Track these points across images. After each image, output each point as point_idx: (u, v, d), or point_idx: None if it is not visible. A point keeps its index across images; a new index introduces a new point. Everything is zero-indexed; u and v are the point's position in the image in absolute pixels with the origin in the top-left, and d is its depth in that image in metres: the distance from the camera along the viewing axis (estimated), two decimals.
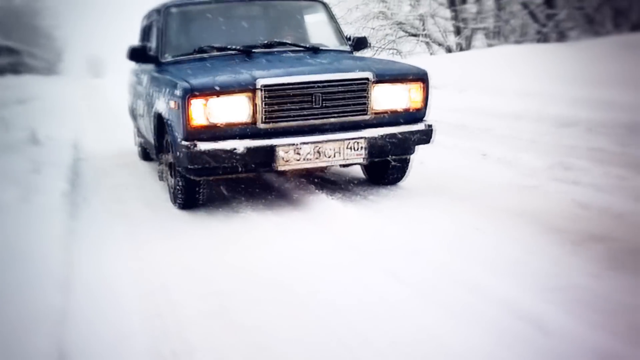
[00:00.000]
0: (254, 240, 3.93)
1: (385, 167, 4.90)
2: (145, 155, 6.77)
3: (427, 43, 16.94)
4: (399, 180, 5.03)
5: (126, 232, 4.22)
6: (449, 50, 16.21)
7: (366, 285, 3.10)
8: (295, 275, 3.30)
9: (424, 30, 16.38)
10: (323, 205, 4.40)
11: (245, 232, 4.08)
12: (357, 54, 5.64)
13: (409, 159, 4.89)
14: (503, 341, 2.44)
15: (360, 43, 5.60)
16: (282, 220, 4.27)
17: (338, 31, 5.62)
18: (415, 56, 16.10)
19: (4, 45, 34.62)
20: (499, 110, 8.05)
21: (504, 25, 15.43)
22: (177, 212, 4.67)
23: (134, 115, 6.86)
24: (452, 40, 16.35)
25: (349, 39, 5.57)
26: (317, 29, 5.72)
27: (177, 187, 4.56)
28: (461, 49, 15.70)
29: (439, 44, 16.79)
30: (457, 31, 16.02)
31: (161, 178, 5.04)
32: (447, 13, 16.12)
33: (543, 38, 13.94)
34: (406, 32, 16.70)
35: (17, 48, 36.88)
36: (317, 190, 4.80)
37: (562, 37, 13.66)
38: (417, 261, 3.29)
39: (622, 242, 3.45)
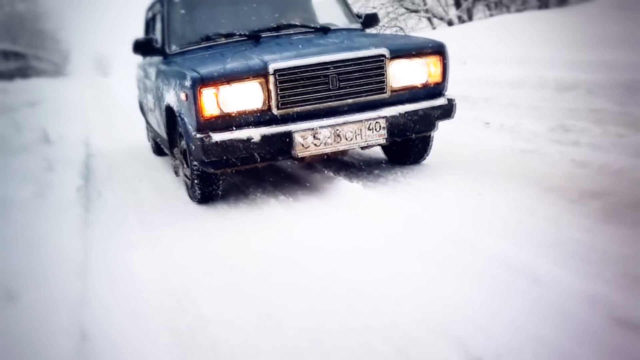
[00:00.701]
0: (275, 228, 3.74)
1: (407, 146, 4.66)
2: (159, 150, 6.56)
3: (428, 18, 16.63)
4: (421, 159, 4.80)
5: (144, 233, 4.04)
6: (450, 23, 15.86)
7: (390, 266, 2.98)
8: (318, 260, 3.15)
9: (424, 5, 16.05)
10: (344, 190, 4.16)
11: (266, 222, 3.90)
12: (369, 31, 5.38)
13: (431, 136, 4.64)
14: (497, 293, 2.53)
15: (370, 20, 5.34)
16: (303, 207, 4.08)
17: (347, 9, 5.36)
18: (417, 32, 15.73)
19: (10, 51, 34.57)
20: (500, 79, 7.85)
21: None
22: (193, 204, 4.48)
23: (143, 110, 6.65)
24: (453, 13, 16.05)
25: (359, 16, 5.32)
26: (325, 8, 5.46)
27: (194, 182, 4.35)
28: (462, 22, 15.43)
29: (440, 19, 16.46)
30: (458, 4, 15.74)
31: (177, 173, 4.83)
32: None
33: (544, 4, 13.78)
34: (407, 9, 16.37)
35: (24, 52, 36.77)
36: (336, 175, 4.57)
37: (562, 1, 13.53)
38: (435, 237, 3.19)
39: (619, 196, 3.47)
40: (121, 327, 2.61)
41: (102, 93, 20.38)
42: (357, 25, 5.22)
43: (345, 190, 4.16)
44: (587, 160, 4.16)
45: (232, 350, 2.37)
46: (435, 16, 16.48)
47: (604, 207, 3.32)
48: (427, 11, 16.14)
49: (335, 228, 3.62)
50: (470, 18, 15.75)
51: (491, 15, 15.20)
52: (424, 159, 4.80)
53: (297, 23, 4.93)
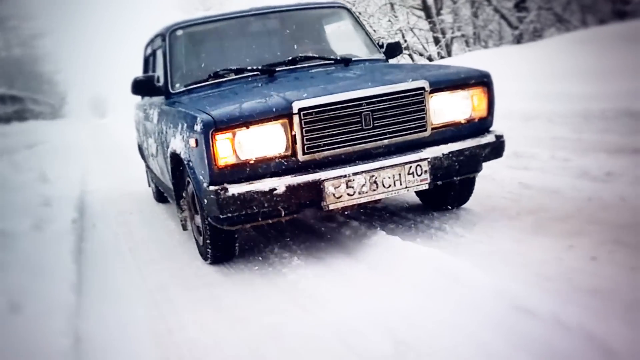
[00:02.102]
0: (304, 303, 3.01)
1: (447, 188, 3.98)
2: (161, 197, 5.85)
3: (409, 55, 16.17)
4: (462, 203, 4.11)
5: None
6: (430, 59, 15.45)
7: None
8: (366, 345, 2.47)
9: (405, 42, 15.55)
10: (380, 246, 3.45)
11: (292, 295, 3.15)
12: (391, 61, 4.73)
13: (475, 178, 3.96)
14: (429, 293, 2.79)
15: (393, 49, 4.68)
16: (334, 272, 3.35)
17: (367, 37, 4.71)
18: None
19: (7, 95, 34.11)
20: None
21: (482, 31, 15.17)
22: (202, 262, 3.78)
23: (143, 154, 5.96)
24: (432, 49, 15.65)
25: (381, 45, 4.67)
26: (342, 38, 4.82)
27: (206, 239, 3.65)
28: (442, 57, 15.03)
29: (420, 55, 16.06)
30: (436, 41, 15.34)
31: (185, 227, 4.13)
32: (426, 24, 15.44)
33: (518, 39, 13.77)
34: None
35: (21, 96, 36.33)
36: (366, 225, 3.88)
37: (537, 36, 13.49)
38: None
39: (551, 212, 3.78)
40: (110, 332, 2.94)
41: (98, 134, 20.11)
42: (380, 56, 4.57)
43: (379, 245, 3.46)
44: (532, 183, 4.40)
45: None
46: (415, 52, 16.06)
47: (536, 221, 3.65)
48: (407, 48, 15.67)
49: (373, 298, 2.92)
50: (449, 54, 15.44)
51: (469, 50, 14.96)
52: (465, 203, 4.12)
53: (314, 55, 4.27)
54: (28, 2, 38.81)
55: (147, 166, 5.97)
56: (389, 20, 15.85)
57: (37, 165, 8.86)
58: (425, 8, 15.07)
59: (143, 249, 4.43)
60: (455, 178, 3.64)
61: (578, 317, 2.20)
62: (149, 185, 6.42)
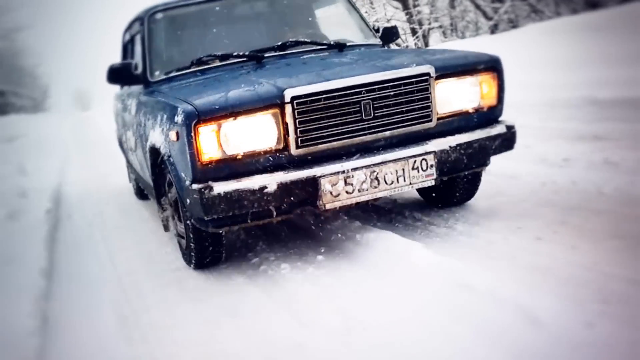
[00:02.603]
0: (297, 312, 2.68)
1: (451, 184, 3.65)
2: (142, 194, 5.49)
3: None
4: (467, 200, 3.79)
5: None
6: None
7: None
8: None
9: None
10: (379, 245, 3.13)
11: (283, 303, 2.81)
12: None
13: (482, 172, 3.64)
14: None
15: (389, 34, 4.34)
16: (330, 276, 3.00)
17: (362, 22, 4.36)
18: None
19: None
20: None
21: (459, 22, 15.40)
22: (186, 269, 3.43)
23: (123, 147, 5.58)
24: (410, 41, 15.51)
25: (377, 30, 4.32)
26: (335, 22, 4.47)
27: (190, 242, 3.30)
28: (419, 48, 14.79)
29: (398, 46, 15.81)
30: (413, 32, 15.19)
31: (166, 228, 3.77)
32: (403, 16, 15.43)
33: (493, 30, 14.11)
34: None
35: (2, 89, 35.85)
36: (363, 222, 3.55)
37: (512, 26, 13.88)
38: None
39: (507, 196, 3.86)
40: (77, 315, 3.04)
41: (80, 127, 19.97)
42: (376, 41, 4.22)
43: (379, 246, 3.13)
44: (492, 169, 3.88)
45: None
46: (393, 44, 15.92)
47: (491, 205, 3.73)
48: None
49: (375, 304, 2.61)
50: (426, 45, 15.52)
51: (446, 41, 15.19)
52: (471, 198, 3.79)
53: (306, 40, 3.91)
54: None
55: (127, 161, 5.60)
56: (366, 12, 15.81)
57: (17, 158, 8.96)
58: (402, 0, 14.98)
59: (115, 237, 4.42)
60: (463, 172, 3.32)
61: (513, 291, 2.29)
62: (130, 181, 6.05)
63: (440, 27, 15.46)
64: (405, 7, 15.00)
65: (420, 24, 15.08)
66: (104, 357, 2.58)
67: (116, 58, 5.48)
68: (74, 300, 3.26)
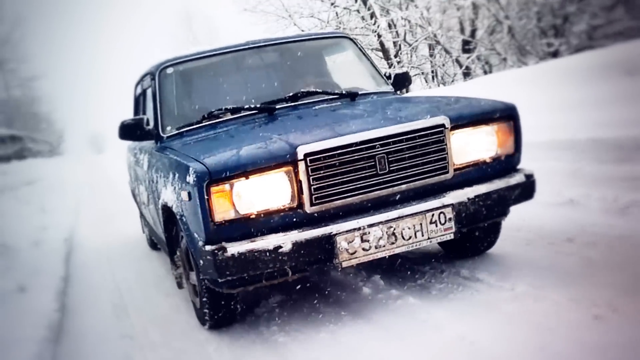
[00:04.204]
0: None
1: (471, 233, 3.62)
2: (155, 244, 5.51)
3: None
4: (488, 249, 3.76)
5: None
6: None
7: None
8: None
9: None
10: (396, 310, 3.15)
11: None
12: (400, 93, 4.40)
13: (501, 221, 3.61)
14: None
15: (401, 80, 4.34)
16: (343, 345, 2.92)
17: (373, 68, 4.39)
18: None
19: (7, 135, 34.39)
20: None
21: (439, 69, 16.02)
22: (200, 328, 3.42)
23: (136, 200, 5.62)
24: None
25: (388, 77, 4.35)
26: (346, 69, 4.50)
27: (203, 301, 3.29)
28: (432, 97, 15.11)
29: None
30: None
31: (180, 285, 3.77)
32: (385, 63, 15.83)
33: (465, 76, 15.08)
34: None
35: (20, 135, 36.65)
36: (379, 281, 3.56)
37: (485, 72, 15.24)
38: None
39: None
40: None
41: (94, 170, 20.63)
42: (388, 88, 4.25)
43: (398, 310, 3.15)
44: None
45: None
46: None
47: None
48: None
49: None
50: (407, 91, 15.77)
51: (427, 87, 16.10)
52: (492, 247, 3.76)
53: (317, 89, 3.94)
54: (25, 45, 39.43)
55: (140, 212, 5.64)
56: None
57: (37, 199, 10.41)
58: (383, 50, 15.58)
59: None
60: (482, 224, 3.29)
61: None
62: (143, 232, 6.08)
63: (422, 73, 15.76)
64: (386, 56, 15.30)
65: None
66: None
67: (128, 101, 5.57)
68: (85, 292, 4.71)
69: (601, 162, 5.20)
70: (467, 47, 15.28)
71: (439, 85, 15.48)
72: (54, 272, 5.06)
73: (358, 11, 15.70)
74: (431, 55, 15.92)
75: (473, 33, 15.23)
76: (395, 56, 15.45)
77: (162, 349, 3.31)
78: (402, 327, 2.97)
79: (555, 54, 13.63)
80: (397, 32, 15.56)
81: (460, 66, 15.11)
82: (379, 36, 15.14)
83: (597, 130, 5.66)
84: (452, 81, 15.34)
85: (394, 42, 15.60)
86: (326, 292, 3.66)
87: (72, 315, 4.15)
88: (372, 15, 15.27)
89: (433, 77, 15.89)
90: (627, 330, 2.45)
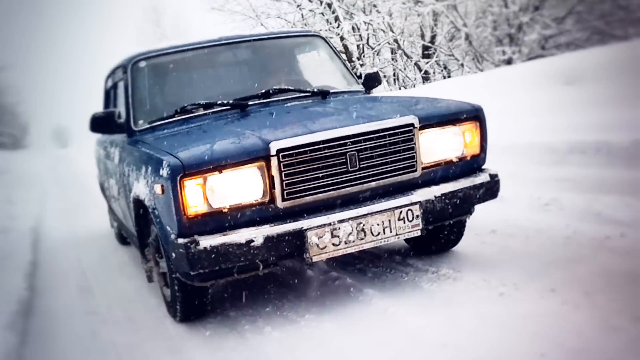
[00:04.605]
0: None
1: (437, 231, 3.64)
2: (124, 239, 5.41)
3: None
4: (453, 246, 3.78)
5: None
6: None
7: None
8: None
9: None
10: (335, 289, 3.27)
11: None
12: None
13: (466, 219, 3.63)
14: None
15: (371, 80, 4.33)
16: (310, 338, 2.90)
17: (345, 68, 4.38)
18: None
19: None
20: None
21: (400, 73, 16.19)
22: (167, 320, 3.37)
23: (105, 194, 5.51)
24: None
25: (359, 76, 4.34)
26: (317, 68, 4.48)
27: (175, 295, 3.24)
28: (400, 97, 15.32)
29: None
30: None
31: (150, 279, 3.71)
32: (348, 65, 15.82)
33: (424, 80, 15.36)
34: None
35: None
36: (345, 276, 3.56)
37: (444, 77, 15.49)
38: None
39: None
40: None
41: (58, 164, 20.17)
42: (359, 87, 4.24)
43: (361, 302, 3.18)
44: None
45: None
46: None
47: None
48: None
49: None
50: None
51: (389, 89, 16.17)
52: (456, 245, 3.78)
53: (290, 87, 3.92)
54: None
55: (110, 207, 5.53)
56: None
57: (2, 190, 10.54)
58: (347, 53, 15.68)
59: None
60: (448, 221, 3.31)
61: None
62: (112, 226, 5.97)
63: (385, 76, 16.00)
64: (349, 59, 15.44)
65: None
66: None
67: (96, 96, 5.47)
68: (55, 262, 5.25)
69: (537, 164, 5.40)
70: (426, 52, 15.45)
71: (400, 88, 15.60)
72: (23, 256, 5.26)
73: (323, 14, 15.71)
74: (393, 59, 16.03)
75: (433, 39, 15.37)
76: (359, 59, 15.52)
77: (125, 323, 3.53)
78: (337, 303, 3.18)
79: (509, 62, 13.92)
80: (360, 35, 15.62)
81: (420, 70, 15.25)
82: (342, 39, 15.17)
83: (536, 135, 5.84)
84: (413, 85, 15.50)
85: (357, 45, 15.66)
86: (293, 287, 3.63)
87: (41, 295, 4.33)
88: (337, 19, 15.31)
89: (395, 80, 16.01)
90: (526, 305, 2.79)
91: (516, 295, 2.93)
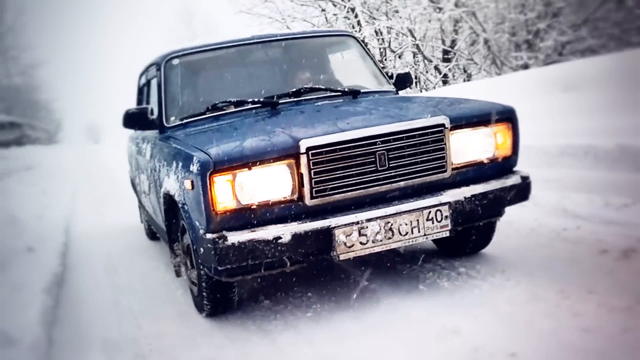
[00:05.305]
0: None
1: (466, 232, 3.49)
2: (153, 234, 5.32)
3: None
4: (482, 248, 3.63)
5: None
6: None
7: None
8: None
9: None
10: (387, 308, 3.00)
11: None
12: (401, 93, 4.26)
13: (496, 221, 3.48)
14: None
15: (403, 80, 4.19)
16: (337, 342, 2.75)
17: (376, 68, 4.24)
18: None
19: (6, 121, 33.86)
20: None
21: (422, 75, 15.94)
22: (196, 315, 3.26)
23: (136, 190, 5.43)
24: None
25: (390, 76, 4.20)
26: (348, 68, 4.35)
27: (202, 290, 3.13)
28: (432, 97, 15.20)
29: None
30: None
31: (178, 274, 3.61)
32: None
33: (444, 82, 15.32)
34: None
35: (19, 122, 36.04)
36: (372, 277, 3.43)
37: (465, 80, 15.46)
38: None
39: None
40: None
41: (90, 159, 20.39)
42: (390, 87, 4.10)
43: (385, 305, 3.04)
44: None
45: None
46: None
47: None
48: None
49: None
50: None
51: (410, 91, 15.96)
52: (485, 247, 3.63)
53: (321, 86, 3.79)
54: (28, 34, 38.62)
55: (140, 202, 5.44)
56: None
57: (38, 182, 10.79)
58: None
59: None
60: (478, 223, 3.16)
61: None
62: (142, 222, 5.88)
63: None
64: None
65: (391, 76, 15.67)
66: None
67: (128, 93, 5.42)
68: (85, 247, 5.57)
69: (529, 166, 5.27)
70: (446, 56, 15.27)
71: (420, 91, 15.41)
72: (56, 238, 5.53)
73: (347, 17, 15.56)
74: (415, 62, 15.88)
75: (453, 43, 15.18)
76: (381, 62, 15.39)
77: (142, 294, 3.90)
78: (363, 304, 3.05)
79: (526, 67, 13.70)
80: (382, 39, 15.46)
81: (440, 73, 15.09)
82: (365, 42, 15.07)
83: (533, 139, 5.76)
84: (434, 87, 15.34)
85: (380, 49, 15.52)
86: (318, 283, 3.51)
87: (72, 271, 4.76)
88: (359, 23, 15.16)
89: (416, 83, 15.88)
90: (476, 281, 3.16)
91: (472, 274, 3.28)
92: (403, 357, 2.47)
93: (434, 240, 3.75)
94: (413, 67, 15.88)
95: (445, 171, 2.99)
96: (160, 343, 3.01)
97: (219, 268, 2.76)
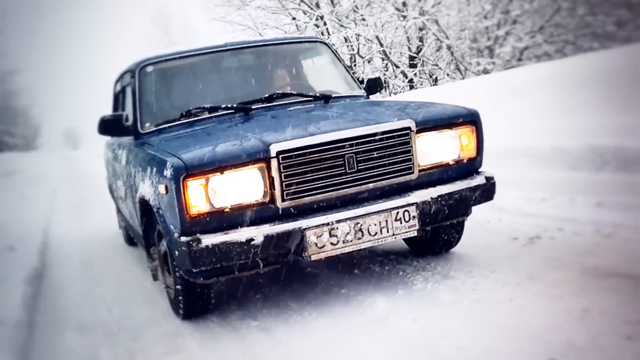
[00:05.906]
0: None
1: (435, 232, 3.49)
2: (132, 240, 5.24)
3: None
4: (451, 247, 3.63)
5: None
6: None
7: None
8: None
9: None
10: (359, 304, 3.00)
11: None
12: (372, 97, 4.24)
13: (464, 221, 3.48)
14: None
15: (374, 85, 4.17)
16: (311, 336, 2.75)
17: (347, 73, 4.22)
18: None
19: None
20: None
21: (390, 80, 16.01)
22: (172, 318, 3.21)
23: (113, 195, 5.34)
24: None
25: (361, 81, 4.19)
26: (320, 73, 4.32)
27: (178, 292, 3.09)
28: (400, 101, 15.34)
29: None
30: None
31: (155, 277, 3.55)
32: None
33: (410, 86, 15.42)
34: None
35: None
36: (346, 272, 3.39)
37: (432, 85, 15.45)
38: None
39: None
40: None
41: (68, 165, 20.12)
42: (361, 92, 4.09)
43: (360, 303, 3.02)
44: None
45: None
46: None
47: None
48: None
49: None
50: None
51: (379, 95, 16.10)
52: (455, 246, 3.63)
53: (293, 92, 3.77)
54: (4, 40, 37.64)
55: (118, 208, 5.36)
56: None
57: (17, 188, 10.80)
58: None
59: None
60: (445, 222, 3.16)
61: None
62: (120, 228, 5.79)
63: None
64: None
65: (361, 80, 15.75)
66: None
67: (106, 99, 5.32)
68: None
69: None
70: (412, 62, 15.36)
71: (390, 95, 15.46)
72: (36, 238, 5.79)
73: (316, 25, 15.56)
74: (384, 67, 15.95)
75: (418, 50, 15.28)
76: (350, 67, 15.44)
77: (114, 285, 4.18)
78: (337, 304, 2.88)
79: (486, 72, 13.87)
80: (351, 45, 15.50)
81: (407, 78, 15.18)
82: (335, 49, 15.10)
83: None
84: (401, 91, 15.41)
85: (349, 55, 15.55)
86: (292, 286, 3.49)
87: (51, 267, 5.03)
88: (328, 31, 15.18)
89: (385, 88, 15.95)
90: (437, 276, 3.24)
91: (437, 270, 3.35)
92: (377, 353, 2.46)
93: (405, 240, 3.75)
94: (382, 72, 15.97)
95: (412, 173, 2.99)
96: (128, 323, 3.30)
97: (194, 270, 2.73)
